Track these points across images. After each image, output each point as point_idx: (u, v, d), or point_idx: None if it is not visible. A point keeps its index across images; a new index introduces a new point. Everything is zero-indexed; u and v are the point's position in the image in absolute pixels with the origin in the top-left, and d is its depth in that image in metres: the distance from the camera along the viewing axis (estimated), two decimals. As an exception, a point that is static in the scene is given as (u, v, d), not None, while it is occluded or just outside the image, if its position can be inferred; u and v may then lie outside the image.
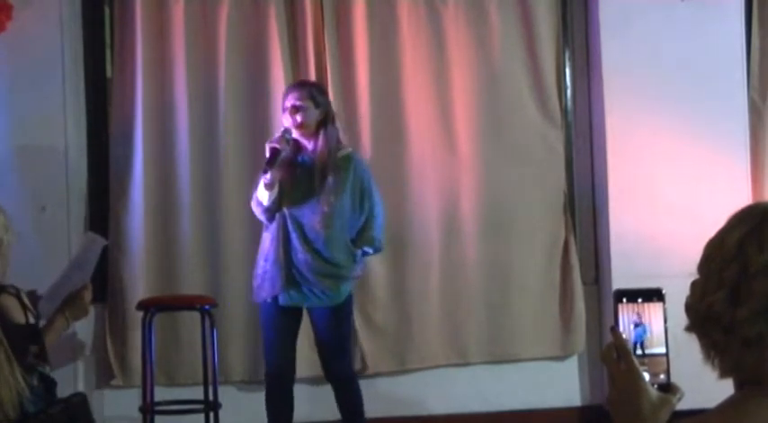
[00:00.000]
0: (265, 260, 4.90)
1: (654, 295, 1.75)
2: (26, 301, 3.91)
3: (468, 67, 5.83)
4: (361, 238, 4.90)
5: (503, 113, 5.87)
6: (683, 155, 5.81)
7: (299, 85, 5.09)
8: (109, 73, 5.76)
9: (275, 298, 4.88)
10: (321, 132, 4.85)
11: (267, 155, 4.79)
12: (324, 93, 5.07)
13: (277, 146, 4.80)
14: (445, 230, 5.81)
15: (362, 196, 4.89)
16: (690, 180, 5.80)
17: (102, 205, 5.69)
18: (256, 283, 4.95)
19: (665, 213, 5.76)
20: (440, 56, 5.81)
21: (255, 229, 5.62)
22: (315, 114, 4.86)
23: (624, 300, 1.74)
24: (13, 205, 5.38)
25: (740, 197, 5.66)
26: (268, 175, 4.79)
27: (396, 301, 5.78)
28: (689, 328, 1.62)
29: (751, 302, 1.53)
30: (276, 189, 4.84)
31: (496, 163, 5.85)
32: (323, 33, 5.76)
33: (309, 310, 4.94)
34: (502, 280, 5.85)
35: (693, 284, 1.63)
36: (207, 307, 5.24)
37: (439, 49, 5.82)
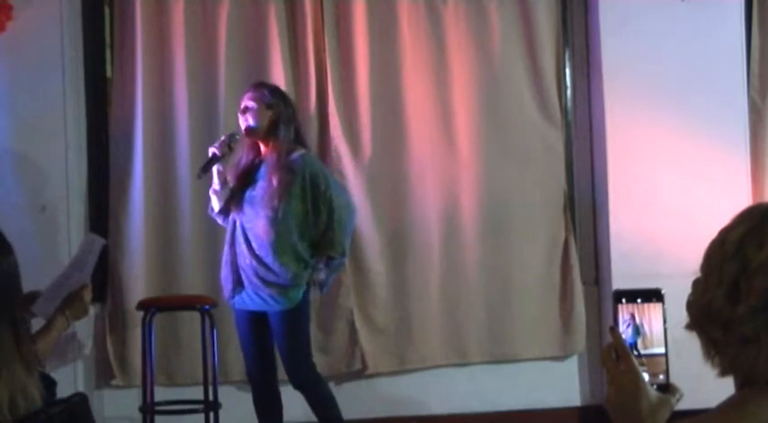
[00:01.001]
0: (224, 263, 4.91)
1: (653, 296, 1.75)
2: None
3: (468, 67, 5.83)
4: (323, 242, 4.78)
5: (503, 113, 5.87)
6: (683, 155, 5.81)
7: (255, 85, 4.97)
8: (109, 73, 5.76)
9: (232, 301, 4.89)
10: (272, 135, 4.80)
11: (208, 158, 4.78)
12: (279, 95, 4.91)
13: (216, 151, 4.77)
14: (445, 230, 5.81)
15: (315, 198, 4.75)
16: (690, 180, 5.80)
17: (102, 205, 5.69)
18: (221, 285, 4.98)
19: (664, 213, 5.77)
20: (440, 56, 5.82)
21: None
22: (266, 115, 4.79)
23: (623, 300, 1.75)
24: (13, 205, 5.40)
25: (740, 197, 5.67)
26: (216, 181, 4.78)
27: (396, 301, 5.78)
28: (689, 326, 1.62)
29: (749, 300, 1.53)
30: (225, 193, 4.82)
31: (496, 163, 5.85)
32: (323, 33, 5.76)
33: (268, 314, 4.86)
34: (502, 280, 5.85)
35: (695, 282, 1.64)
36: (207, 307, 5.24)
37: (439, 49, 5.82)
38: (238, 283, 4.83)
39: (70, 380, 5.38)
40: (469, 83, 5.83)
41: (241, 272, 4.82)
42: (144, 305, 5.23)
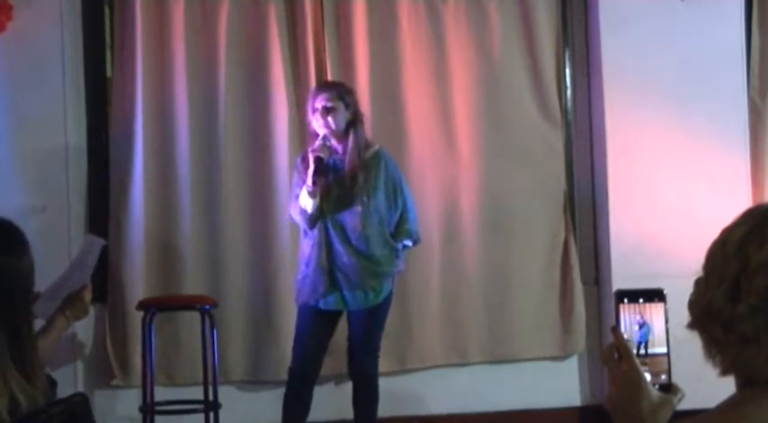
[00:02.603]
0: (306, 265, 4.88)
1: (655, 296, 1.75)
2: None
3: (468, 66, 5.83)
4: (399, 232, 4.92)
5: (503, 113, 5.87)
6: (683, 155, 5.81)
7: (328, 85, 5.08)
8: (109, 73, 5.76)
9: (315, 302, 4.87)
10: (351, 133, 4.84)
11: (312, 165, 4.75)
12: (351, 93, 5.01)
13: (321, 155, 4.78)
14: (445, 230, 5.82)
15: (395, 192, 4.90)
16: (690, 180, 5.80)
17: (102, 205, 5.69)
18: (297, 287, 4.95)
19: (664, 213, 5.77)
20: (440, 55, 5.82)
21: (255, 229, 5.64)
22: (345, 115, 4.85)
23: (625, 300, 1.75)
24: (13, 205, 5.40)
25: (740, 197, 5.67)
26: (310, 183, 4.76)
27: (396, 301, 5.76)
28: (691, 325, 1.62)
29: (749, 299, 1.54)
30: (318, 196, 4.82)
31: (496, 163, 5.85)
32: (323, 33, 5.76)
33: (348, 311, 4.93)
34: (502, 280, 5.85)
35: (697, 282, 1.64)
36: (207, 307, 5.24)
37: (439, 49, 5.82)
38: (330, 284, 4.83)
39: (70, 380, 5.38)
40: (469, 83, 5.83)
41: (337, 273, 4.82)
42: (144, 305, 5.23)
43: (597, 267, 6.01)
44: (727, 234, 1.61)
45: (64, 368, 5.39)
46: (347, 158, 4.84)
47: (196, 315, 5.30)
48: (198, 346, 5.30)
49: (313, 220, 4.85)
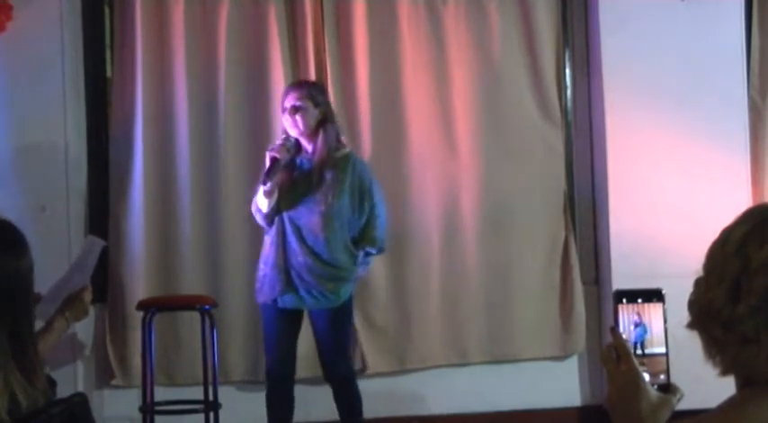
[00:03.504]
0: (265, 264, 4.89)
1: (654, 296, 1.75)
2: None
3: (468, 66, 5.83)
4: (363, 238, 4.87)
5: (503, 113, 5.87)
6: (683, 154, 5.81)
7: (298, 84, 5.05)
8: (109, 73, 5.76)
9: (275, 300, 4.87)
10: (320, 132, 4.83)
11: (267, 164, 4.76)
12: (323, 92, 5.03)
13: (277, 155, 4.76)
14: (445, 230, 5.82)
15: (362, 196, 4.84)
16: (690, 180, 5.80)
17: (102, 205, 5.69)
18: (257, 285, 4.95)
19: (664, 213, 5.77)
20: (440, 56, 5.82)
21: (255, 228, 5.62)
22: (314, 114, 4.83)
23: (624, 300, 1.75)
24: (13, 205, 5.40)
25: (740, 197, 5.67)
26: (267, 185, 4.77)
27: (396, 301, 5.78)
28: (690, 325, 1.62)
29: (750, 299, 1.53)
30: (275, 195, 4.82)
31: (496, 163, 5.85)
32: (323, 33, 5.76)
33: (309, 312, 4.93)
34: (502, 280, 5.85)
35: (697, 282, 1.64)
36: (207, 307, 5.24)
37: (439, 49, 5.82)
38: (285, 283, 4.82)
39: (70, 380, 5.38)
40: (469, 83, 5.83)
41: (292, 271, 4.82)
42: (144, 305, 5.23)
43: (597, 267, 6.01)
44: (727, 234, 1.61)
45: (64, 368, 5.39)
46: (315, 157, 4.81)
47: (196, 315, 5.30)
48: (198, 346, 5.30)
49: (269, 218, 4.85)
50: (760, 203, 1.69)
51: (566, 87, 6.02)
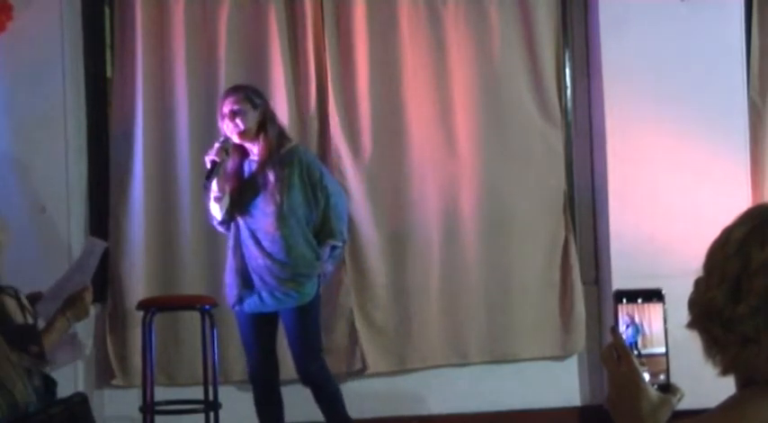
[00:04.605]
0: (228, 269, 4.93)
1: (654, 296, 1.75)
2: (25, 302, 3.91)
3: (468, 67, 5.83)
4: (323, 231, 4.85)
5: (503, 113, 5.87)
6: (683, 155, 5.81)
7: (234, 89, 5.00)
8: (109, 73, 5.76)
9: (241, 305, 4.89)
10: (261, 134, 4.82)
11: (207, 168, 4.77)
12: (259, 94, 4.98)
13: (216, 158, 4.77)
14: (445, 230, 5.81)
15: (314, 188, 4.82)
16: (690, 180, 5.80)
17: (102, 205, 5.69)
18: (225, 291, 4.98)
19: (664, 213, 5.77)
20: (440, 56, 5.81)
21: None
22: (254, 116, 4.82)
23: (624, 300, 1.74)
24: (13, 205, 5.40)
25: (740, 197, 5.67)
26: (215, 189, 4.77)
27: (396, 300, 5.78)
28: (690, 325, 1.62)
29: (751, 299, 1.53)
30: (226, 200, 4.83)
31: (496, 163, 5.85)
32: (323, 33, 5.76)
33: (278, 312, 4.91)
34: (502, 280, 5.85)
35: (697, 281, 1.64)
36: (207, 307, 5.24)
37: (439, 50, 5.82)
38: (245, 287, 4.83)
39: (70, 380, 5.38)
40: (469, 83, 5.83)
41: (252, 275, 4.82)
42: (144, 305, 5.23)
43: (597, 267, 6.01)
44: (727, 234, 1.61)
45: (64, 368, 5.38)
46: (258, 159, 4.82)
47: (196, 315, 5.30)
48: (198, 346, 5.30)
49: (224, 224, 4.87)
50: (760, 203, 1.68)
51: (566, 88, 6.02)
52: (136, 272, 5.59)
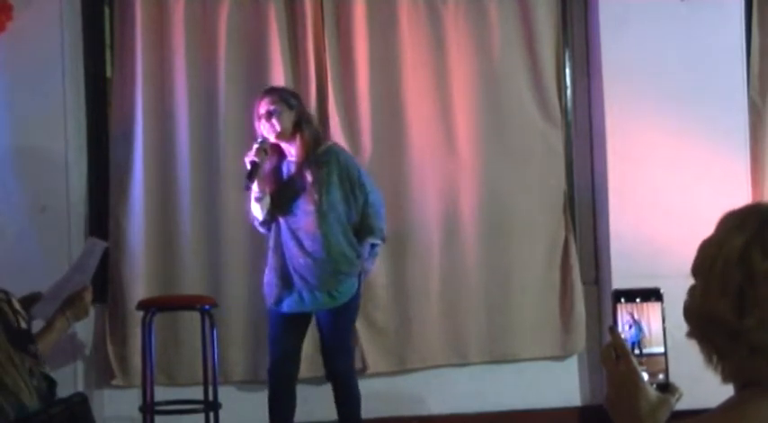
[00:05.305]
0: (268, 269, 4.95)
1: (652, 295, 1.75)
2: (16, 305, 3.90)
3: (468, 66, 5.83)
4: (363, 230, 4.91)
5: (503, 113, 5.87)
6: (683, 155, 5.81)
7: (270, 90, 5.06)
8: (109, 73, 5.76)
9: (279, 305, 4.90)
10: (298, 134, 4.86)
11: (247, 169, 4.81)
12: (295, 95, 5.05)
13: (255, 159, 4.82)
14: (445, 230, 5.82)
15: (352, 186, 4.88)
16: (689, 180, 5.80)
17: (102, 205, 5.69)
18: (264, 290, 5.00)
19: (664, 213, 5.76)
20: (440, 56, 5.82)
21: (255, 229, 5.63)
22: (290, 116, 4.87)
23: (623, 300, 1.75)
24: (12, 205, 5.41)
25: (740, 197, 5.66)
26: (256, 189, 4.81)
27: (396, 301, 5.78)
28: (690, 335, 1.61)
29: (758, 310, 1.52)
30: (267, 200, 4.87)
31: (496, 163, 5.85)
32: (323, 33, 5.76)
33: (315, 313, 4.95)
34: (502, 280, 5.85)
35: (692, 289, 1.62)
36: (207, 307, 5.24)
37: (439, 49, 5.82)
38: (285, 288, 4.86)
39: (70, 380, 5.38)
40: (469, 83, 5.83)
41: (293, 274, 4.85)
42: (144, 305, 5.23)
43: (597, 267, 6.01)
44: (722, 240, 1.59)
45: (64, 368, 5.39)
46: (296, 159, 4.86)
47: (196, 315, 5.30)
48: (198, 346, 5.30)
49: (265, 224, 4.91)
50: (751, 205, 1.67)
51: (566, 87, 6.02)
52: (136, 272, 5.59)
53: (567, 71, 6.03)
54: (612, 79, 5.82)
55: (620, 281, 5.62)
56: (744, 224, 1.59)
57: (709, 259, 1.60)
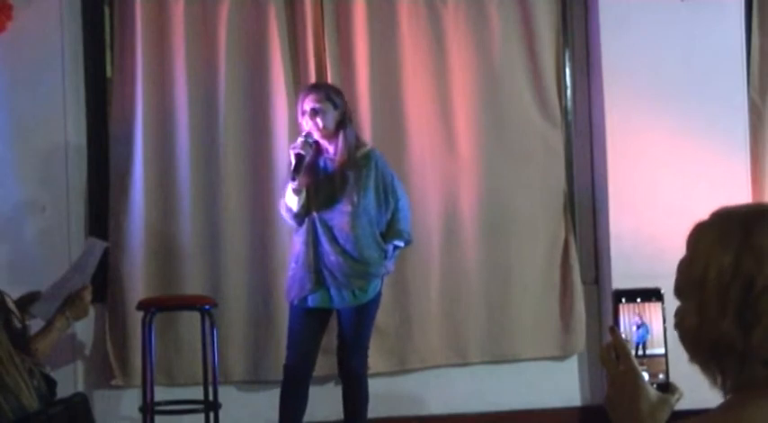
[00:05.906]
0: (295, 262, 4.95)
1: (653, 295, 1.75)
2: (10, 305, 3.90)
3: (468, 67, 5.83)
4: (390, 232, 4.96)
5: (503, 113, 5.87)
6: (683, 155, 5.81)
7: (316, 87, 5.12)
8: (109, 73, 5.76)
9: (304, 299, 4.90)
10: (340, 133, 4.89)
11: (293, 161, 4.83)
12: (340, 93, 5.06)
13: (302, 152, 4.83)
14: (445, 230, 5.82)
15: (386, 191, 4.94)
16: (689, 180, 5.80)
17: (102, 205, 5.69)
18: (287, 284, 5.01)
19: (664, 213, 5.76)
20: (440, 56, 5.81)
21: (256, 228, 5.64)
22: (334, 116, 4.90)
23: (623, 300, 1.74)
24: (13, 205, 5.41)
25: (740, 197, 5.66)
26: (295, 182, 4.82)
27: (396, 301, 5.78)
28: (694, 360, 1.59)
29: (763, 323, 1.51)
30: (304, 194, 4.88)
31: (496, 163, 5.85)
32: (323, 33, 5.76)
33: (338, 309, 4.97)
34: (502, 280, 5.85)
35: (682, 312, 1.60)
36: (207, 307, 5.24)
37: (439, 49, 5.82)
38: (317, 283, 4.88)
39: (70, 380, 5.39)
40: (469, 83, 5.83)
41: (324, 270, 4.88)
42: (144, 305, 5.23)
43: (597, 267, 6.01)
44: (707, 256, 1.57)
45: (64, 368, 5.39)
46: (337, 158, 4.89)
47: (196, 315, 5.30)
48: (198, 346, 5.30)
49: (299, 217, 4.91)
50: (722, 213, 1.63)
51: (566, 87, 6.02)
52: (136, 272, 5.59)
53: (567, 71, 6.03)
54: (612, 79, 5.82)
55: (620, 281, 5.62)
56: (724, 236, 1.57)
57: (698, 279, 1.57)
